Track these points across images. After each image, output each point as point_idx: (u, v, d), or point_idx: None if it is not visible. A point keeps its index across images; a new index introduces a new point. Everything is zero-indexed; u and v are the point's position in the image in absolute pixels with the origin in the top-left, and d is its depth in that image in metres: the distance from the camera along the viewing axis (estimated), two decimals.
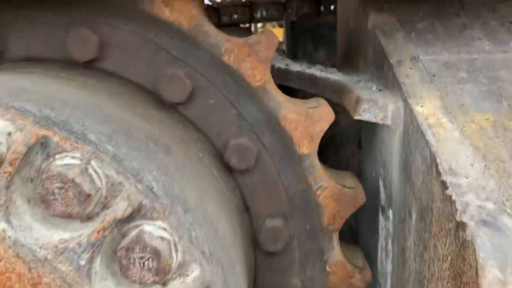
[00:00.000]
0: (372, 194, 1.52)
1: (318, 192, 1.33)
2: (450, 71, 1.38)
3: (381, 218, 1.45)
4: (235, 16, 6.70)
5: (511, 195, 0.95)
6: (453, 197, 0.89)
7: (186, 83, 1.26)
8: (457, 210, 0.87)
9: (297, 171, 1.33)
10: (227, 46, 1.24)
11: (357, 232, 1.79)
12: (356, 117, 1.26)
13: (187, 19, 1.23)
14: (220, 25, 6.27)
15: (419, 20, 1.63)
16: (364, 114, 1.24)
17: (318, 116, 1.29)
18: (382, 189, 1.43)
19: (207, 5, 6.36)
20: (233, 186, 1.35)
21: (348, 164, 1.78)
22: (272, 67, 1.60)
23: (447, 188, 0.91)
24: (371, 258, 1.53)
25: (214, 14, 6.49)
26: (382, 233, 1.44)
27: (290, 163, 1.33)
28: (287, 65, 1.63)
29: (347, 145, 1.77)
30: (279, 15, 6.70)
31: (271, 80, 1.29)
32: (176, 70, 1.26)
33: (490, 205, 0.87)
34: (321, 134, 1.30)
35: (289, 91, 1.70)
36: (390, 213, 1.35)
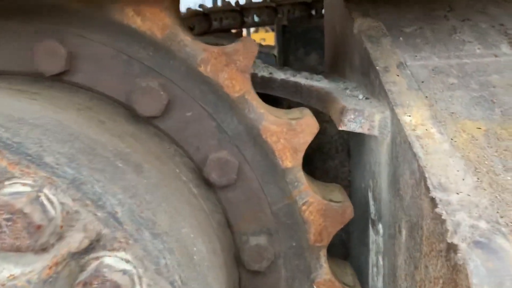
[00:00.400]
0: (362, 206, 1.45)
1: (304, 207, 1.26)
2: (439, 77, 1.32)
3: (371, 232, 1.38)
4: (226, 21, 6.64)
5: (505, 211, 0.89)
6: (443, 216, 0.82)
7: (161, 95, 1.19)
8: (448, 230, 0.80)
9: (281, 186, 1.26)
10: (203, 55, 1.17)
11: (348, 246, 1.72)
12: (341, 128, 1.19)
13: (160, 28, 1.16)
14: (211, 31, 6.18)
15: (406, 24, 1.57)
16: (350, 124, 1.17)
17: (301, 128, 1.22)
18: (371, 202, 1.36)
19: (197, 11, 6.30)
20: (214, 202, 1.28)
21: (337, 174, 1.71)
22: (255, 75, 1.54)
23: (437, 206, 0.84)
24: (362, 274, 1.46)
25: (204, 20, 6.41)
26: (372, 248, 1.37)
27: (273, 177, 1.26)
28: (270, 73, 1.56)
29: (335, 154, 1.71)
30: (270, 20, 6.66)
31: (252, 90, 1.22)
32: (150, 82, 1.19)
33: (483, 224, 0.80)
34: (305, 146, 1.23)
35: (275, 100, 1.64)
36: (380, 227, 1.29)
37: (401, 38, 1.49)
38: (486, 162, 1.01)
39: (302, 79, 1.53)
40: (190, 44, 1.18)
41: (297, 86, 1.51)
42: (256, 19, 6.23)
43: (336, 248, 1.73)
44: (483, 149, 1.05)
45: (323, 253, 1.28)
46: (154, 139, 1.22)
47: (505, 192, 0.93)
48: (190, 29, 5.67)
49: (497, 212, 0.86)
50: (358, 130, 1.17)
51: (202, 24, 5.83)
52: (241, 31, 6.90)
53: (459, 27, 1.57)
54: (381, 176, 1.23)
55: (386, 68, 1.26)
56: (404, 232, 1.06)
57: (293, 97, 1.53)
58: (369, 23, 1.50)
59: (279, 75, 1.54)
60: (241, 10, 6.07)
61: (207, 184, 1.26)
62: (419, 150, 0.97)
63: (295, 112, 1.30)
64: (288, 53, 4.88)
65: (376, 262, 1.35)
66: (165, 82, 1.21)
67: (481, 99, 1.23)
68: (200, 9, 6.05)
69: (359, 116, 1.17)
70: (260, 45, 6.73)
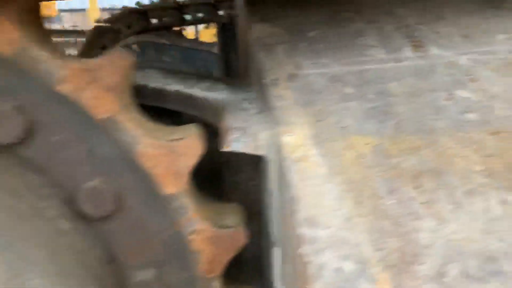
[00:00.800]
0: (267, 225, 1.35)
1: (192, 236, 1.14)
2: (336, 87, 1.23)
3: (274, 254, 1.29)
4: (165, 19, 6.38)
5: (384, 243, 0.80)
6: (307, 258, 0.72)
7: (17, 119, 1.04)
8: (310, 274, 0.70)
9: (167, 214, 1.14)
10: (61, 73, 1.03)
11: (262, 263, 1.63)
12: (225, 149, 1.08)
13: (8, 44, 1.01)
14: (150, 29, 5.91)
15: (310, 29, 1.48)
16: (233, 144, 1.06)
17: (182, 150, 1.10)
18: (271, 223, 1.27)
19: (134, 9, 6.02)
20: (93, 236, 1.14)
21: (247, 188, 1.61)
22: (146, 87, 1.40)
23: (302, 245, 0.75)
24: None
25: (142, 17, 6.13)
26: (275, 271, 1.28)
27: (157, 205, 1.14)
28: (164, 84, 1.43)
29: (243, 167, 1.60)
30: (210, 17, 6.46)
31: (124, 110, 1.09)
32: (3, 105, 1.03)
33: (349, 266, 0.71)
34: (188, 170, 1.11)
35: (175, 114, 1.51)
36: (278, 251, 1.19)
37: (303, 44, 1.40)
38: (370, 184, 0.93)
39: (198, 90, 1.41)
40: (45, 61, 1.03)
41: (191, 98, 1.39)
42: (196, 16, 6.04)
43: (250, 262, 1.63)
44: (368, 169, 0.96)
45: (216, 284, 1.17)
46: (13, 170, 1.07)
47: (386, 219, 0.85)
48: (127, 27, 5.43)
49: (372, 246, 0.78)
50: (242, 150, 1.07)
51: (140, 23, 5.59)
52: (181, 29, 6.71)
53: (364, 30, 1.49)
54: (273, 199, 1.13)
55: (275, 81, 1.16)
56: (288, 263, 0.96)
57: (189, 110, 1.41)
58: (266, 29, 1.40)
59: (173, 86, 1.42)
60: (179, 8, 5.86)
61: (83, 216, 1.12)
62: (294, 177, 0.88)
63: (179, 131, 1.17)
64: (229, 50, 4.77)
65: (278, 286, 1.25)
66: (23, 105, 1.05)
67: (375, 110, 1.16)
68: (137, 7, 5.79)
69: (243, 135, 1.07)
70: (201, 43, 6.57)
